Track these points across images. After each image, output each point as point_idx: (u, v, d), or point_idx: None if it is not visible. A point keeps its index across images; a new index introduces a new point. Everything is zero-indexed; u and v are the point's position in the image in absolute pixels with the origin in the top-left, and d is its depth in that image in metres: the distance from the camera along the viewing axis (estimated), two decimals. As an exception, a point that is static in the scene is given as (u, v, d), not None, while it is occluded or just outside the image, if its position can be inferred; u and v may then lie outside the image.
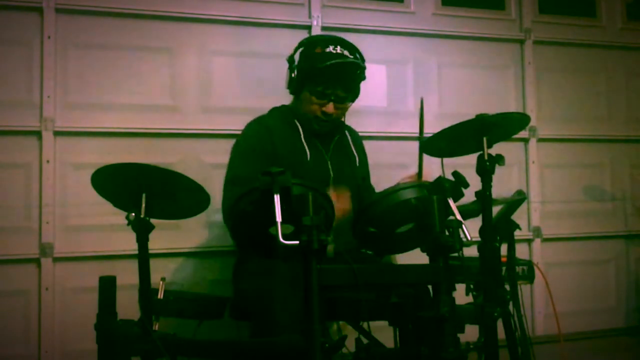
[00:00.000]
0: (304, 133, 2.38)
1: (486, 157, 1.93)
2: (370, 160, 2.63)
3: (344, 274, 1.65)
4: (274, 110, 2.50)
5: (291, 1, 3.14)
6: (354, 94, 2.38)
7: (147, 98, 2.90)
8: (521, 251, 3.30)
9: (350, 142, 2.51)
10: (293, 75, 2.32)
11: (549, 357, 2.74)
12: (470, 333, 1.80)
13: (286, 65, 2.37)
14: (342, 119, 2.49)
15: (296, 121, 2.39)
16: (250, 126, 2.42)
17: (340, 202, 2.24)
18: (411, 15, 3.35)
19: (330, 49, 2.26)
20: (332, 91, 2.29)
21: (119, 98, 2.86)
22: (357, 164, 2.48)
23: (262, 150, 2.31)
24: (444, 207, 1.70)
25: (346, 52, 2.28)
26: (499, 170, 1.95)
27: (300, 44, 2.36)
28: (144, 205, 1.80)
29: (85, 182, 1.91)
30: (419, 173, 2.20)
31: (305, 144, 2.36)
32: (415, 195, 1.77)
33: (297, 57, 2.35)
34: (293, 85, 2.34)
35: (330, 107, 2.31)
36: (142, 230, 1.80)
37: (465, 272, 1.95)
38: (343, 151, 2.47)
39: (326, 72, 2.24)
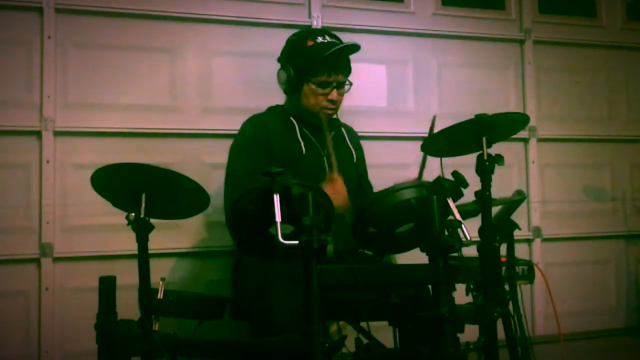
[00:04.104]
0: (300, 129, 2.39)
1: (486, 157, 1.93)
2: (369, 161, 2.63)
3: (344, 274, 1.65)
4: (270, 109, 2.52)
5: (291, 1, 3.14)
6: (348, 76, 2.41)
7: (147, 98, 2.90)
8: (521, 251, 3.30)
9: (347, 138, 2.52)
10: (290, 73, 2.34)
11: (549, 357, 2.74)
12: (470, 333, 1.80)
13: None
14: (336, 117, 2.49)
15: (292, 118, 2.41)
16: (245, 124, 2.44)
17: (337, 189, 2.24)
18: (411, 15, 3.35)
19: (320, 39, 2.32)
20: (335, 78, 2.33)
21: (119, 98, 2.85)
22: (355, 160, 2.48)
23: (258, 146, 2.31)
24: (444, 207, 1.70)
25: (334, 40, 2.33)
26: (498, 170, 1.95)
27: (288, 42, 2.40)
28: (143, 205, 1.81)
29: (85, 182, 1.91)
30: (420, 175, 2.20)
31: (301, 140, 2.37)
32: (415, 195, 1.77)
33: (287, 55, 2.38)
34: (291, 83, 2.35)
35: (334, 94, 2.35)
36: (142, 230, 1.81)
37: (465, 272, 1.94)
38: (339, 147, 2.47)
39: (328, 61, 2.29)
